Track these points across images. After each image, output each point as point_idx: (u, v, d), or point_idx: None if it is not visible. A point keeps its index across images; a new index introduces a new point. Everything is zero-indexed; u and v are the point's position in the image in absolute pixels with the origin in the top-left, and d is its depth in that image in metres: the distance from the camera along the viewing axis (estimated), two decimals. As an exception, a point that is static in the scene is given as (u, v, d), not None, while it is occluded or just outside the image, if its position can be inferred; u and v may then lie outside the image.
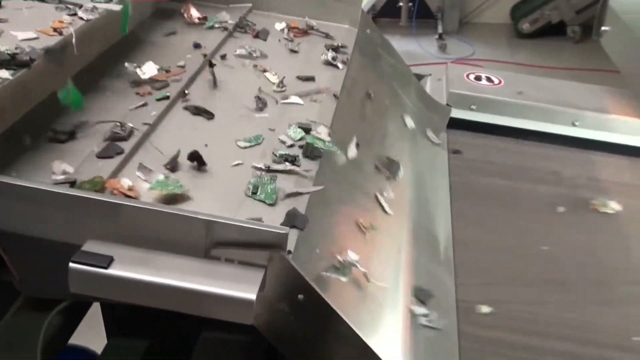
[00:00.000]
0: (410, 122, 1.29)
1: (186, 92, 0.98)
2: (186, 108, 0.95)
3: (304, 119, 0.96)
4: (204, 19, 1.24)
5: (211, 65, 1.03)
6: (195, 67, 1.05)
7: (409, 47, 4.15)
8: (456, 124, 1.40)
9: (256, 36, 1.24)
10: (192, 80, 1.02)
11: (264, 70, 1.10)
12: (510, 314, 0.97)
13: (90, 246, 0.66)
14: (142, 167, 0.78)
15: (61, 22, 0.92)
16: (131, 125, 0.85)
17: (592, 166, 1.34)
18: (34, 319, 0.83)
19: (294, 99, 1.02)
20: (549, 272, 1.06)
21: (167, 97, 0.94)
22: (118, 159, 0.79)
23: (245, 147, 0.87)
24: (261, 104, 0.98)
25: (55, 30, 0.89)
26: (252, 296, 0.63)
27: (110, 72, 0.99)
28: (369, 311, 0.81)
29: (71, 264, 0.63)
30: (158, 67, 1.01)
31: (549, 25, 4.35)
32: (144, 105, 0.92)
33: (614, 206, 1.21)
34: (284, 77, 1.06)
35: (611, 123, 1.39)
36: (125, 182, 0.74)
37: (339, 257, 0.78)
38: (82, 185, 0.72)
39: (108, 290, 0.65)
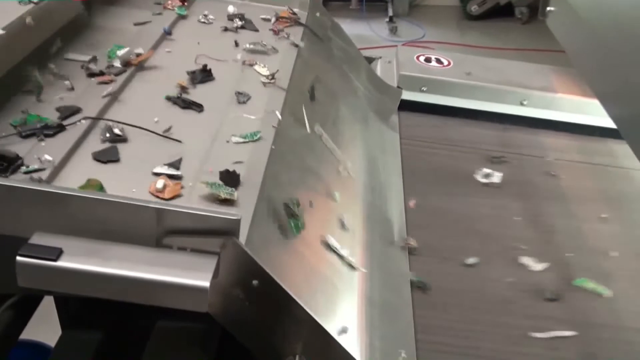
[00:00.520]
0: (361, 105, 1.29)
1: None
2: (174, 102, 0.93)
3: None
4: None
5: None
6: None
7: (360, 30, 4.14)
8: (407, 106, 1.42)
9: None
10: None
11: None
12: (463, 293, 0.99)
13: (38, 238, 0.64)
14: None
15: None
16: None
17: (540, 144, 1.37)
18: (-17, 315, 0.82)
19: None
20: (493, 247, 1.08)
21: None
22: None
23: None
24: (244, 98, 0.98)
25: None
26: (206, 283, 0.62)
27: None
28: (324, 293, 0.81)
29: (18, 258, 0.61)
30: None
31: (497, 6, 4.40)
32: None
33: (560, 183, 1.24)
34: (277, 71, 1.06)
35: (558, 102, 1.43)
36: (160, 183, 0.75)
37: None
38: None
39: (58, 283, 0.64)
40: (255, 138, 0.88)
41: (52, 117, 0.83)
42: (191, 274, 0.63)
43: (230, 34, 1.19)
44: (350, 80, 1.35)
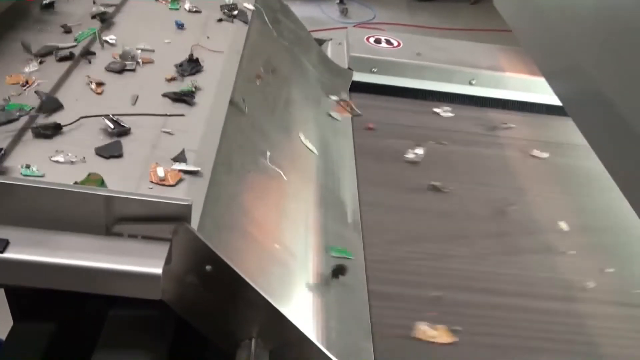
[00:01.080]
0: (312, 87, 1.29)
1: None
2: (165, 95, 0.91)
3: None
4: None
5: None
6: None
7: (311, 12, 4.13)
8: (358, 87, 1.42)
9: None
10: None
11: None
12: (419, 269, 1.00)
13: (-18, 230, 0.63)
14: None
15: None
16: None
17: (489, 122, 1.39)
18: None
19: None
20: (451, 229, 1.09)
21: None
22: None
23: None
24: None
25: None
26: (158, 270, 0.62)
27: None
28: (279, 277, 0.81)
29: (-37, 250, 0.60)
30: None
31: (446, -13, 4.44)
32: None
33: (508, 160, 1.27)
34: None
35: (506, 80, 1.45)
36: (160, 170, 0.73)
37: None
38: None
39: (6, 275, 0.63)
40: None
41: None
42: (143, 261, 0.63)
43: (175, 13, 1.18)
44: (301, 62, 1.34)
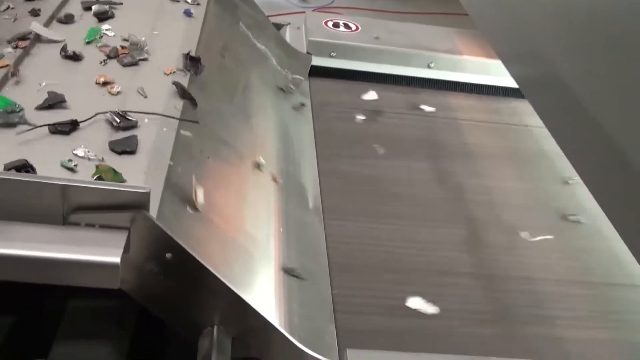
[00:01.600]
0: (270, 72, 1.28)
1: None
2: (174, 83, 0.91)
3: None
4: None
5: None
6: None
7: (269, -4, 4.09)
8: (317, 72, 1.42)
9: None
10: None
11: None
12: (384, 255, 1.01)
13: None
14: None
15: None
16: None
17: (447, 105, 1.41)
18: None
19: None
20: (407, 208, 1.10)
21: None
22: None
23: None
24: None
25: None
26: (117, 259, 0.61)
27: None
28: (241, 264, 0.81)
29: None
30: None
31: (404, -29, 4.43)
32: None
33: (467, 142, 1.28)
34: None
35: (463, 64, 1.46)
36: None
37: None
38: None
39: (-41, 268, 0.61)
40: None
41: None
42: (101, 250, 0.62)
43: None
44: (258, 47, 1.33)
